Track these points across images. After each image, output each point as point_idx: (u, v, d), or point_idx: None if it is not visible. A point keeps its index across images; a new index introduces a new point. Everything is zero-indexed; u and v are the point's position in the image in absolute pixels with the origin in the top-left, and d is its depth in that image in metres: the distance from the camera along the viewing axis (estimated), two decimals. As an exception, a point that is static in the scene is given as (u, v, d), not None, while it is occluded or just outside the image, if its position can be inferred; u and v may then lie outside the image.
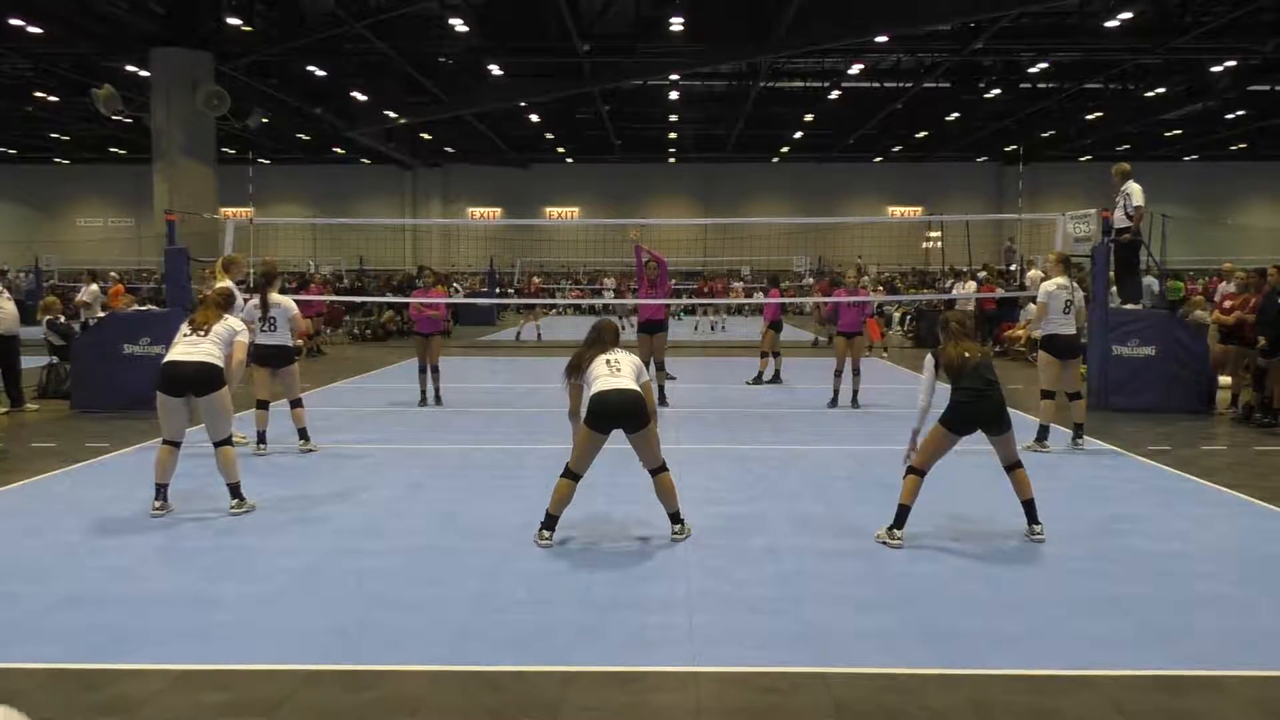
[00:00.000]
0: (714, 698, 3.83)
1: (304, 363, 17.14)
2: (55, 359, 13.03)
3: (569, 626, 4.53)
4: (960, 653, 4.22)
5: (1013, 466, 6.06)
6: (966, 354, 5.95)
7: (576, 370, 6.11)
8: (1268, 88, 29.49)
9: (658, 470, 6.00)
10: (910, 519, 5.89)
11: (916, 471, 5.95)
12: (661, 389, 11.86)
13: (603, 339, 6.17)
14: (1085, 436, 9.15)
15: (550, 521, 5.94)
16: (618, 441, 9.18)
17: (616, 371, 5.95)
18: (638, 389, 5.89)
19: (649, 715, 3.70)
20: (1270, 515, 6.70)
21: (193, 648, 4.27)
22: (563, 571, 5.36)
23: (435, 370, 11.87)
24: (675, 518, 6.06)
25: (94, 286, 19.42)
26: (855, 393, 11.78)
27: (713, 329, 27.00)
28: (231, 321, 6.99)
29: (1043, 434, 8.96)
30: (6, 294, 12.22)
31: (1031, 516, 6.03)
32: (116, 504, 6.90)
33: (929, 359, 6.14)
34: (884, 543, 5.87)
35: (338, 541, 5.97)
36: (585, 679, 3.98)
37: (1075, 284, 9.20)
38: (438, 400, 11.85)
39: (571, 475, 5.95)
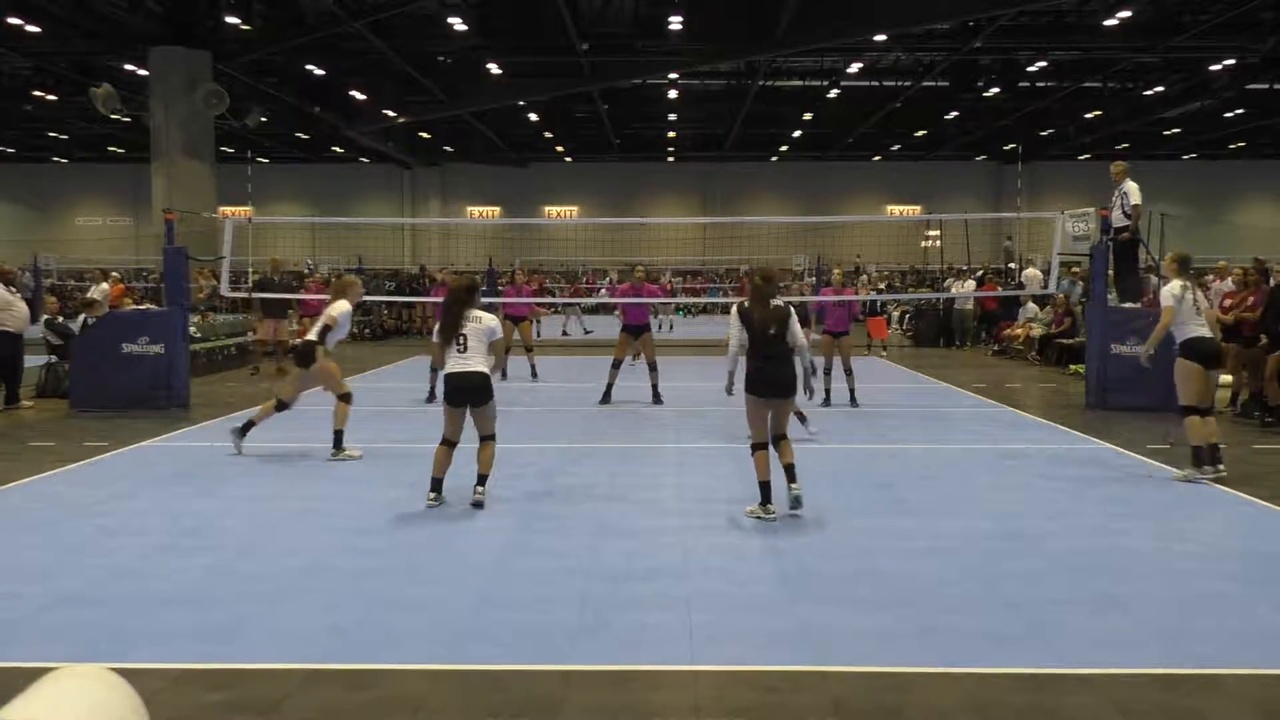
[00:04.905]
0: (713, 697, 3.83)
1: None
2: (54, 358, 13.03)
3: (569, 626, 4.53)
4: (959, 651, 4.23)
5: (781, 437, 6.52)
6: (769, 322, 6.42)
7: (446, 338, 6.74)
8: (1266, 86, 29.46)
9: (486, 439, 6.79)
10: (909, 518, 5.91)
11: (759, 446, 6.46)
12: (655, 387, 11.91)
13: (450, 315, 6.70)
14: (1086, 437, 9.13)
15: (435, 484, 6.72)
16: (617, 441, 9.20)
17: (461, 351, 6.63)
18: (482, 369, 6.62)
19: (649, 714, 3.70)
20: (1270, 514, 6.70)
21: (192, 647, 4.27)
22: (563, 571, 5.36)
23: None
24: (482, 480, 6.76)
25: (105, 285, 19.39)
26: (852, 392, 11.78)
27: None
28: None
29: (1199, 457, 7.66)
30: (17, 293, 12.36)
31: (790, 476, 6.42)
32: (116, 503, 6.90)
33: (734, 310, 6.69)
34: (758, 518, 6.31)
35: (338, 541, 5.97)
36: (585, 678, 3.98)
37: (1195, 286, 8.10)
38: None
39: (446, 443, 6.76)
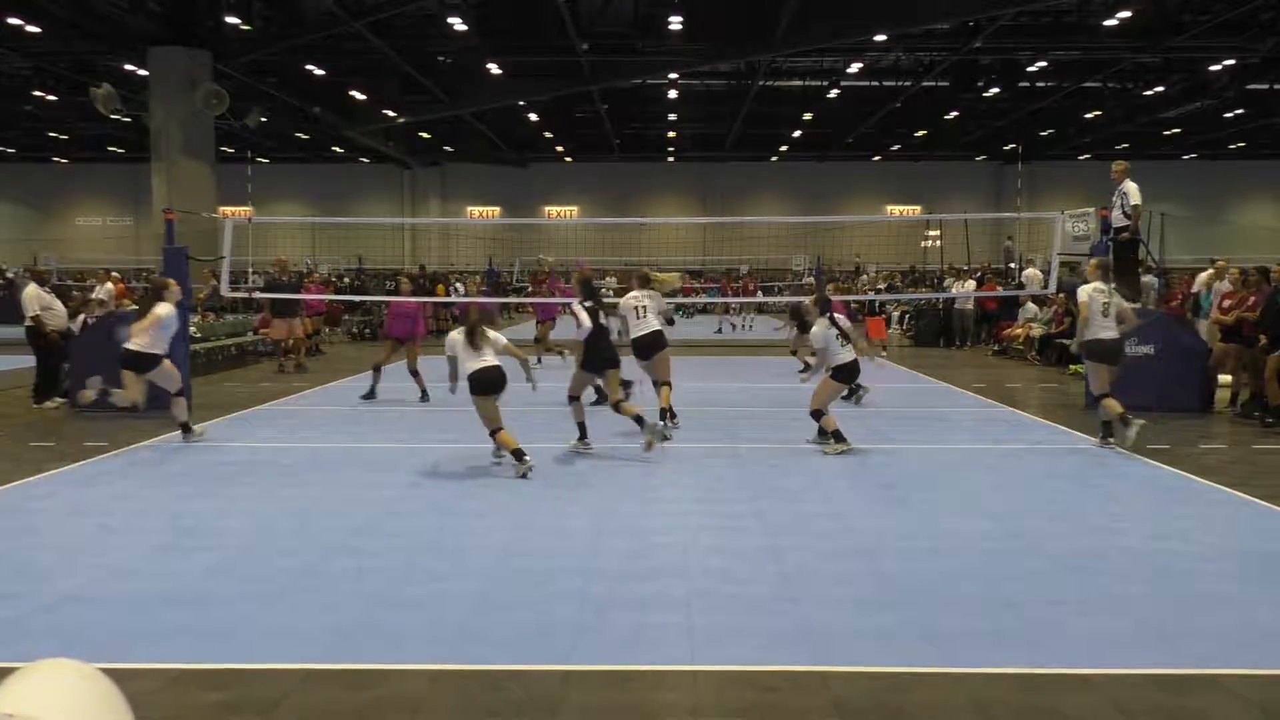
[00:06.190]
0: (713, 696, 3.83)
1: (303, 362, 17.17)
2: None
3: (569, 626, 4.53)
4: (960, 652, 4.22)
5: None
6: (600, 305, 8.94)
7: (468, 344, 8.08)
8: (1266, 86, 29.50)
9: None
10: (909, 518, 5.92)
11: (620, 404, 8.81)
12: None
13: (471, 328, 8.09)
14: (1086, 437, 9.14)
15: (516, 455, 7.76)
16: (615, 441, 9.23)
17: (482, 353, 7.96)
18: (499, 364, 7.93)
19: (649, 714, 3.69)
20: (1270, 514, 6.70)
21: (191, 647, 4.27)
22: (562, 570, 5.35)
23: (415, 374, 12.05)
24: (518, 455, 7.74)
25: (109, 285, 19.41)
26: (857, 387, 11.75)
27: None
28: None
29: (1110, 430, 8.94)
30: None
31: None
32: (116, 504, 6.90)
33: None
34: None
35: (337, 541, 5.96)
36: (585, 678, 3.98)
37: (1114, 288, 9.15)
38: (424, 397, 11.95)
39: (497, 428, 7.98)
